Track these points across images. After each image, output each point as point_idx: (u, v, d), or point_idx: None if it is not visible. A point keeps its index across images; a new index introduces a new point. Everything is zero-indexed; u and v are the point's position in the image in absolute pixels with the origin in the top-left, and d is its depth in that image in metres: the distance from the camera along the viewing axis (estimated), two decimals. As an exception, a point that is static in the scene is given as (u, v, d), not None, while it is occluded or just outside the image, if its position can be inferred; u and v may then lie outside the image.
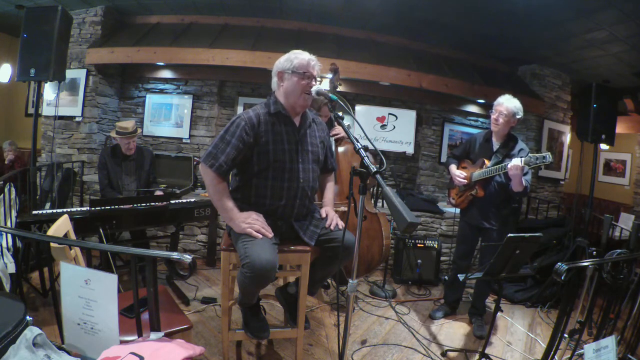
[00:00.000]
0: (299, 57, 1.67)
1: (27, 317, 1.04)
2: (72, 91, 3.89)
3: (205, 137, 4.19)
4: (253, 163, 1.66)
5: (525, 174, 2.27)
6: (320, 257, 1.82)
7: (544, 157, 2.02)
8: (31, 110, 3.92)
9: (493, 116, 2.43)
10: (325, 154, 1.91)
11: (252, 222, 1.61)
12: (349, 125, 3.78)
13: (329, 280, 3.15)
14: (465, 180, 2.52)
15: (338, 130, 2.74)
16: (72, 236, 1.71)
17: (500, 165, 2.26)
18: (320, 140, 1.86)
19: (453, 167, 2.63)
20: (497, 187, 2.42)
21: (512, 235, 1.71)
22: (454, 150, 2.80)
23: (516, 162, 2.13)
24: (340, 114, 1.60)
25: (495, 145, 2.48)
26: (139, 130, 3.14)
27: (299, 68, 1.65)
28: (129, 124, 2.99)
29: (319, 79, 1.73)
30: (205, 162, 1.63)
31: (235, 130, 1.62)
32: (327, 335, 2.40)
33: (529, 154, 2.11)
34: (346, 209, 2.64)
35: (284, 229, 1.75)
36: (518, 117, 2.39)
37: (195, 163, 4.01)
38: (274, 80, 1.74)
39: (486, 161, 2.42)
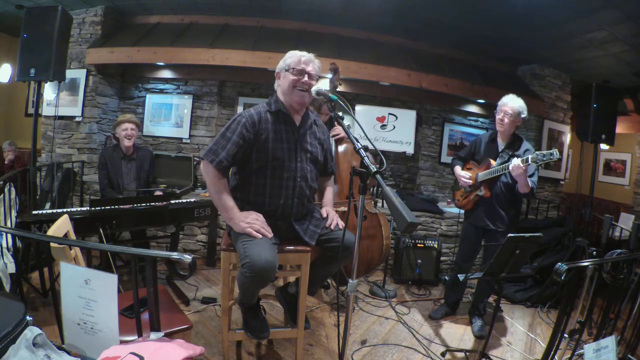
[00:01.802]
0: (292, 55, 1.72)
1: (27, 317, 1.04)
2: (72, 91, 3.89)
3: (205, 137, 4.19)
4: (252, 160, 1.68)
5: (531, 175, 2.26)
6: (321, 257, 1.82)
7: (551, 154, 2.01)
8: (31, 110, 3.93)
9: (498, 117, 2.42)
10: (325, 156, 1.92)
11: (252, 222, 1.62)
12: (349, 125, 3.78)
13: (329, 280, 3.15)
14: (471, 181, 2.51)
15: (338, 130, 2.74)
16: (72, 236, 1.71)
17: (505, 164, 2.26)
18: (320, 142, 1.87)
19: (458, 169, 2.62)
20: (503, 188, 2.41)
21: (512, 235, 1.71)
22: (459, 152, 2.78)
23: (516, 162, 2.12)
24: (340, 114, 1.61)
25: (501, 145, 2.48)
26: (139, 123, 3.16)
27: (291, 65, 1.70)
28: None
29: (316, 76, 1.74)
30: (206, 157, 1.64)
31: (236, 128, 1.64)
32: (327, 335, 2.40)
33: (536, 152, 2.09)
34: (346, 209, 2.64)
35: (284, 230, 1.75)
36: (523, 116, 2.39)
37: (195, 163, 4.01)
38: (275, 80, 1.80)
39: (492, 161, 2.41)
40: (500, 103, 2.44)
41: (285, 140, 1.71)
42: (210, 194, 1.70)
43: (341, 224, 1.83)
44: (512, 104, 2.38)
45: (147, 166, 3.13)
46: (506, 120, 2.38)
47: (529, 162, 2.08)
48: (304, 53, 1.73)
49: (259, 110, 1.71)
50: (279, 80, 1.76)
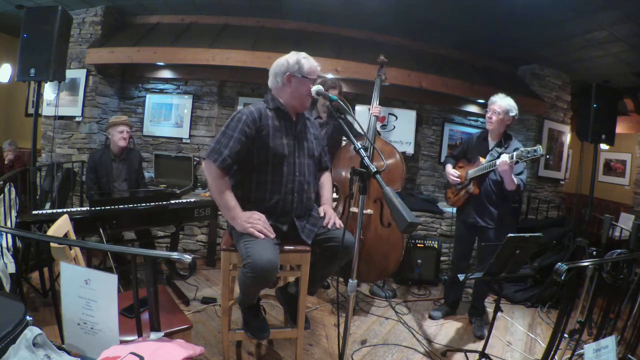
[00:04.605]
0: (310, 62, 1.72)
1: (27, 317, 1.04)
2: (72, 91, 3.89)
3: (205, 137, 4.19)
4: (253, 156, 1.69)
5: (520, 173, 2.31)
6: (320, 257, 1.82)
7: (535, 151, 2.05)
8: (31, 110, 3.92)
9: (487, 115, 2.47)
10: (319, 151, 1.94)
11: (254, 222, 1.62)
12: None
13: (328, 280, 3.15)
14: (459, 180, 2.56)
15: (376, 110, 2.81)
16: (72, 236, 1.71)
17: (493, 162, 2.29)
18: (315, 137, 1.91)
19: (449, 167, 2.67)
20: (492, 185, 2.44)
21: (512, 235, 1.71)
22: (453, 151, 2.85)
23: (504, 158, 2.16)
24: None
25: (491, 144, 2.51)
26: (132, 125, 3.18)
27: (309, 74, 1.71)
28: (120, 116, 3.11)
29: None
30: (209, 157, 1.63)
31: (237, 125, 1.64)
32: (327, 335, 2.40)
33: (520, 149, 2.13)
34: (372, 211, 2.63)
35: (285, 229, 1.75)
36: (512, 114, 2.42)
37: (195, 163, 4.01)
38: (277, 80, 1.75)
39: (481, 159, 2.45)
40: (489, 102, 2.49)
41: (285, 136, 1.73)
42: (212, 193, 1.69)
43: (339, 223, 1.82)
44: (500, 102, 2.41)
45: (136, 166, 3.13)
46: (494, 118, 2.42)
47: (514, 158, 2.11)
48: (314, 61, 1.75)
49: (258, 107, 1.72)
50: (290, 82, 1.71)
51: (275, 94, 1.78)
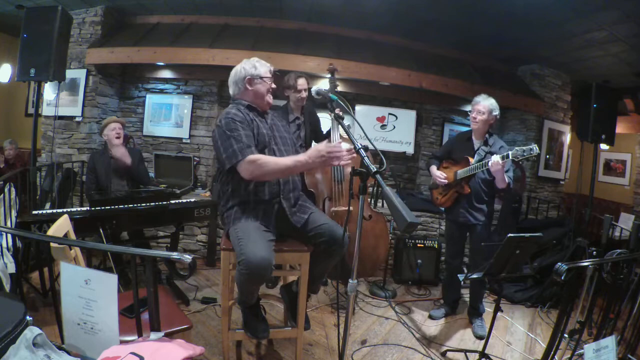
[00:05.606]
0: (263, 64, 1.85)
1: (27, 317, 1.04)
2: (72, 91, 3.88)
3: (205, 137, 4.19)
4: None
5: (507, 171, 2.33)
6: (314, 254, 1.83)
7: (530, 150, 2.09)
8: (31, 110, 3.93)
9: (472, 115, 2.52)
10: (293, 140, 2.00)
11: (335, 153, 1.53)
12: (349, 125, 3.78)
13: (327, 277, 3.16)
14: (446, 181, 2.59)
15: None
16: (72, 236, 1.71)
17: (483, 162, 2.32)
18: (285, 129, 1.99)
19: (433, 168, 2.70)
20: (481, 183, 2.49)
21: (512, 235, 1.71)
22: (436, 152, 2.89)
23: (496, 158, 2.20)
24: (340, 114, 1.61)
25: (477, 143, 2.55)
26: (125, 122, 3.19)
27: (265, 74, 1.83)
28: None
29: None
30: (241, 157, 1.62)
31: (235, 124, 1.70)
32: (327, 335, 2.40)
33: (516, 148, 2.16)
34: (351, 208, 2.63)
35: (278, 214, 1.77)
36: (495, 114, 2.47)
37: (195, 163, 4.01)
38: (238, 86, 1.85)
39: (470, 159, 2.48)
40: (473, 102, 2.54)
41: (263, 128, 1.81)
42: (275, 175, 1.69)
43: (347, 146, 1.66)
44: (484, 102, 2.47)
45: (136, 164, 3.13)
46: (479, 118, 2.47)
47: (510, 157, 2.15)
48: (266, 63, 1.87)
49: (237, 109, 1.78)
50: (251, 85, 1.82)
51: (242, 97, 1.86)
